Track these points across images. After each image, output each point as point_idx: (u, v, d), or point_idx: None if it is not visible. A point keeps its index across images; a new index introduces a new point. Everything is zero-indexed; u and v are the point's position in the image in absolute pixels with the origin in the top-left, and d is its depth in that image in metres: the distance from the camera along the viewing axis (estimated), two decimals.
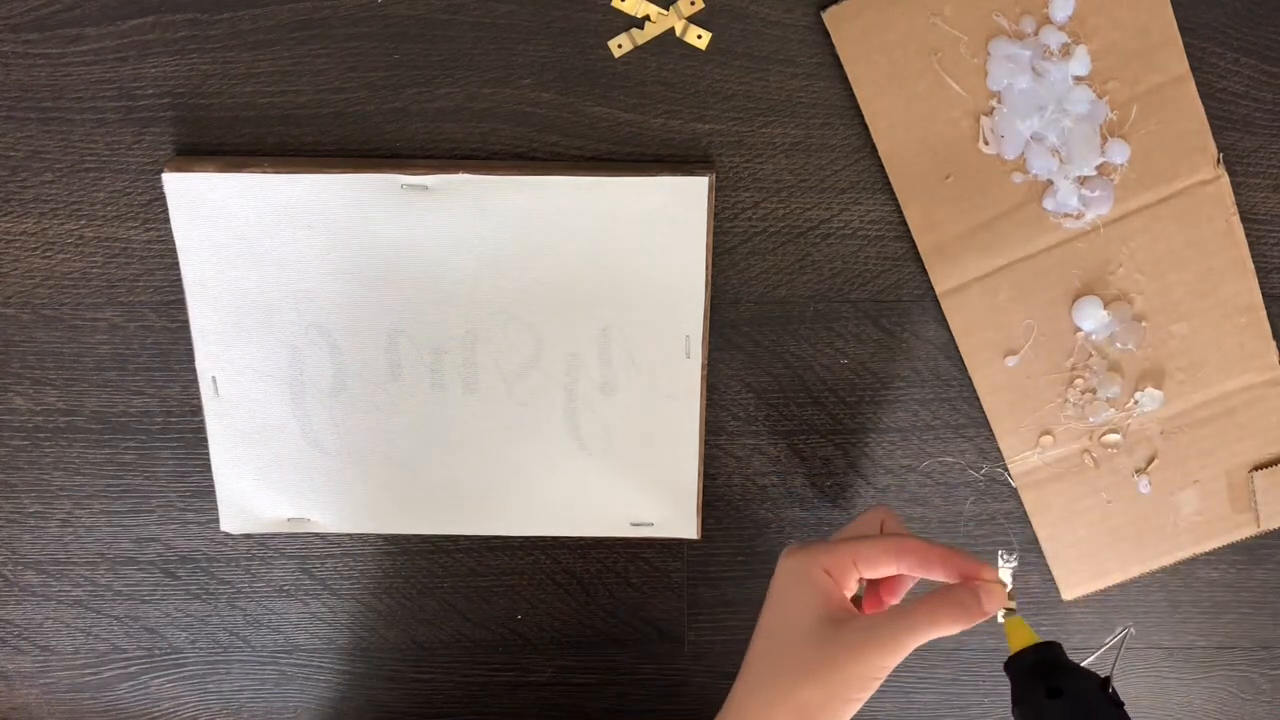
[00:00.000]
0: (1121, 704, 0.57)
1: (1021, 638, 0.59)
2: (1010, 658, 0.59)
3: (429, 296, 0.70)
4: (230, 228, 0.68)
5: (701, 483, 0.73)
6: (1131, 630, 0.70)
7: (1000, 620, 0.61)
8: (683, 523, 0.74)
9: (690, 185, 0.67)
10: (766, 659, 0.61)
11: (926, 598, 0.58)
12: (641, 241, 0.68)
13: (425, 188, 0.67)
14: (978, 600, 0.59)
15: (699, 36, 0.67)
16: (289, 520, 0.74)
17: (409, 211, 0.68)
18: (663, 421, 0.72)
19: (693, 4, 0.67)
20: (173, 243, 0.69)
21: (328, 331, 0.70)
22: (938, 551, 0.60)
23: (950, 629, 0.58)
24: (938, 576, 0.60)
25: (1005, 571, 0.60)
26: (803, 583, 0.60)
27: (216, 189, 0.67)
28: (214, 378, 0.71)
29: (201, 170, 0.67)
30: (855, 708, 0.59)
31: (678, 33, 0.67)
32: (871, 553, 0.60)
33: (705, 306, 0.70)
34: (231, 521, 0.74)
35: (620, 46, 0.67)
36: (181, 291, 0.70)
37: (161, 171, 0.67)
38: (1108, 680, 0.58)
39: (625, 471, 0.73)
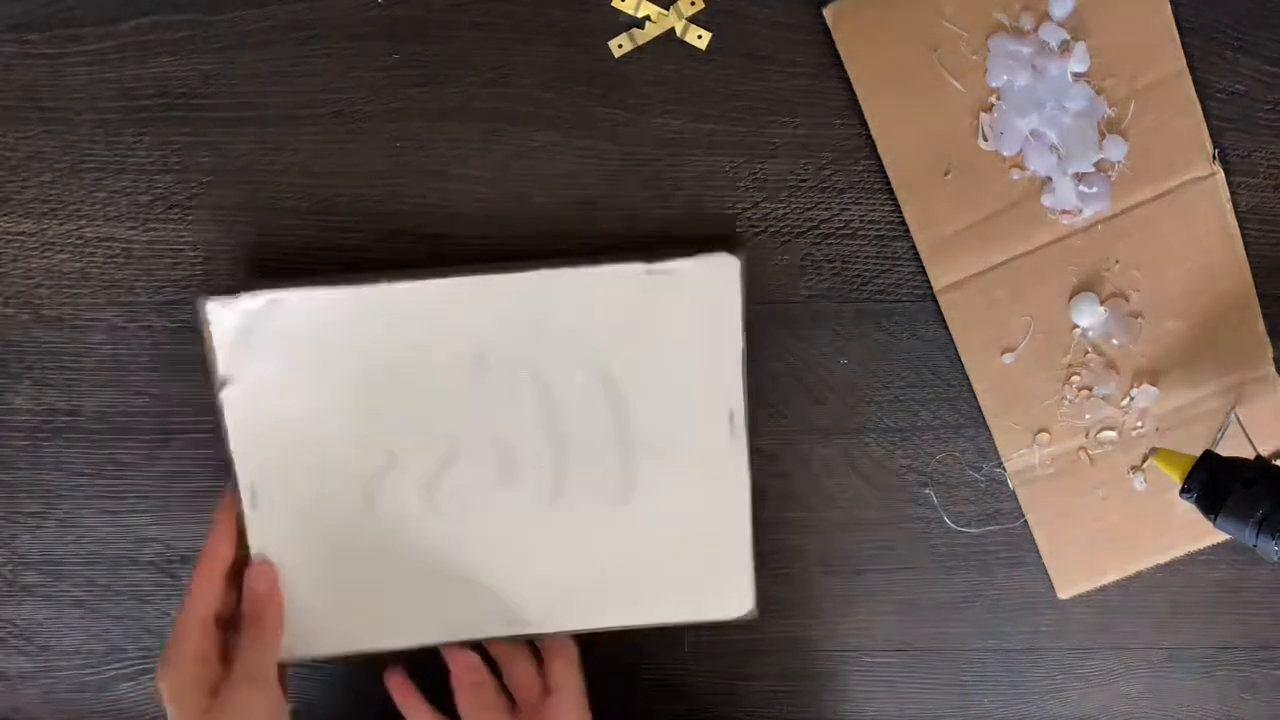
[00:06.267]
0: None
1: (1179, 462, 0.65)
2: (1185, 482, 0.65)
3: (457, 394, 0.68)
4: (276, 355, 0.66)
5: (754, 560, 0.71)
6: (1236, 414, 0.71)
7: (1152, 461, 0.68)
8: (738, 601, 0.71)
9: (721, 265, 0.66)
10: None
11: None
12: (675, 324, 0.67)
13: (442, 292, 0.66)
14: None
15: (699, 36, 0.67)
16: None
17: (433, 317, 0.67)
18: (711, 503, 0.70)
19: (693, 4, 0.67)
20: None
21: (378, 447, 0.68)
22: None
23: None
24: None
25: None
26: None
27: (262, 315, 0.66)
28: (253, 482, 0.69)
29: (244, 292, 0.65)
30: None
31: (678, 33, 0.67)
32: None
33: (743, 385, 0.68)
34: None
35: (620, 46, 0.68)
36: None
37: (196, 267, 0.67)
38: (1258, 456, 0.66)
39: (675, 558, 0.71)
